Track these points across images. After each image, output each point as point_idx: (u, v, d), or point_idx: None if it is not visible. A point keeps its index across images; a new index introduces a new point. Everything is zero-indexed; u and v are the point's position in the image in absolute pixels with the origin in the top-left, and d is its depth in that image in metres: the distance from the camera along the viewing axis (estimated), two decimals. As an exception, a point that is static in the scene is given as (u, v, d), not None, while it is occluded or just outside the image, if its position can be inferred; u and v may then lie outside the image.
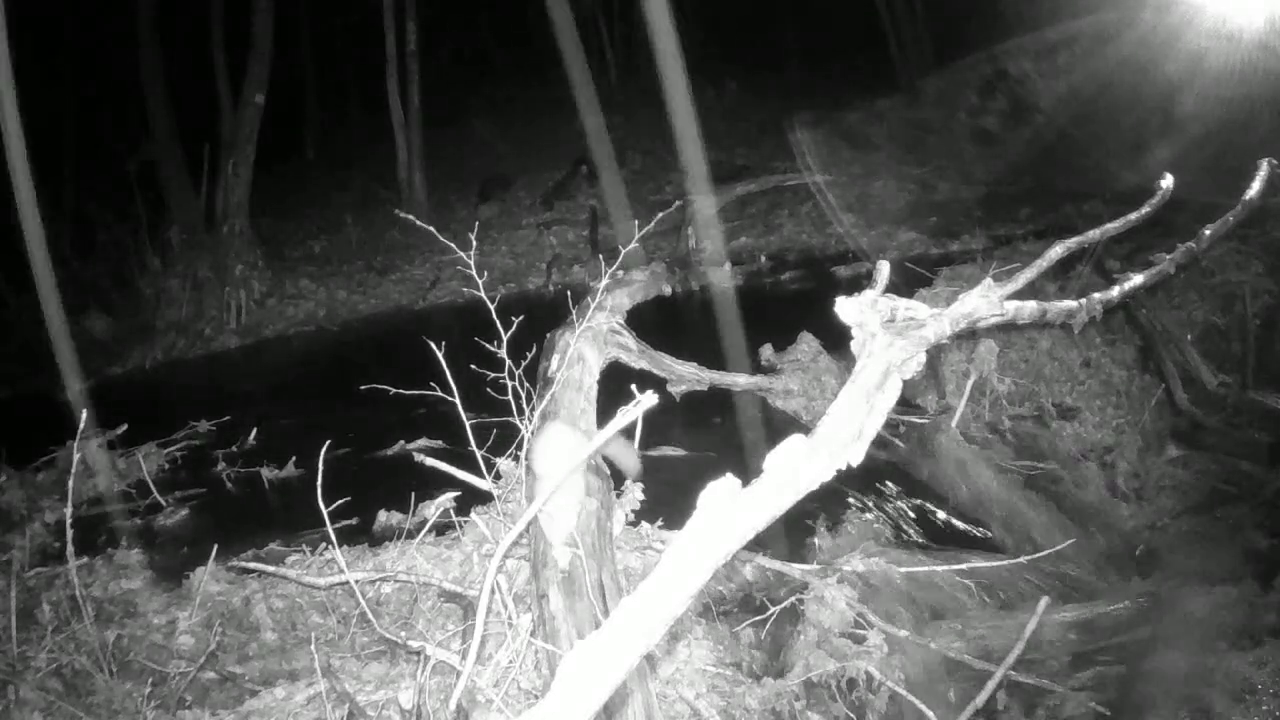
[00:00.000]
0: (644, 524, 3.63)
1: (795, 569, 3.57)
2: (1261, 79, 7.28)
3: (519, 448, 3.59)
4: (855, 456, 2.16)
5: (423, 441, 5.08)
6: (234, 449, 5.47)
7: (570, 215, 11.57)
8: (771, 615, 3.29)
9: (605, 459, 3.62)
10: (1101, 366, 5.44)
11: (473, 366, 3.44)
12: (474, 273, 3.49)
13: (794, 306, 7.29)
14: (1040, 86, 10.47)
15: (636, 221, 4.00)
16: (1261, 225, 5.81)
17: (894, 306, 2.63)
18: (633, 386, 3.22)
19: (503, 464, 3.67)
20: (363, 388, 4.06)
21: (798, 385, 5.07)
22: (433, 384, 3.33)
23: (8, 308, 9.50)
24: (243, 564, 3.64)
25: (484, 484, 3.59)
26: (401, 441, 5.18)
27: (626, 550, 3.51)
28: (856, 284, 2.64)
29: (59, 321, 6.18)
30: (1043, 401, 5.20)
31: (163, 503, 4.81)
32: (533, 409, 3.57)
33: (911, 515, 4.38)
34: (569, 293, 4.92)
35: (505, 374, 3.44)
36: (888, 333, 2.45)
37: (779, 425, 4.90)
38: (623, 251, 3.91)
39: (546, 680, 2.77)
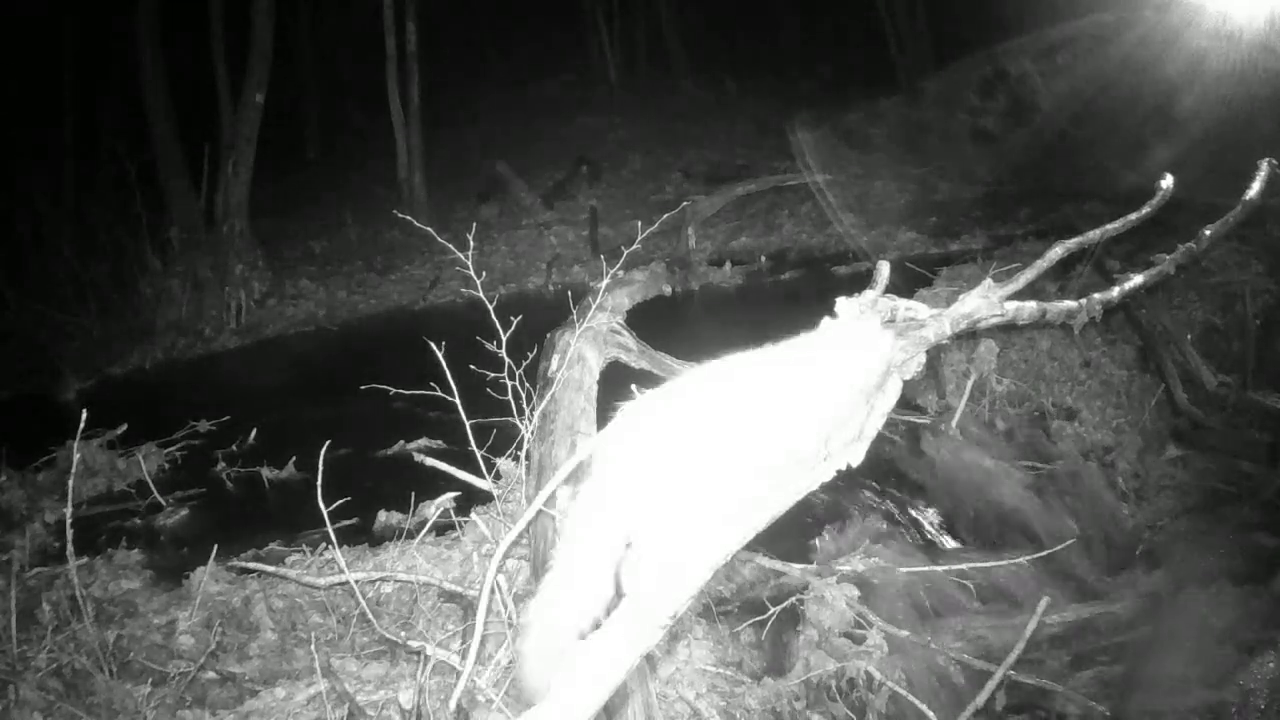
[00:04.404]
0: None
1: (795, 569, 3.57)
2: (1261, 79, 7.29)
3: (519, 448, 3.59)
4: (855, 457, 2.16)
5: (423, 441, 5.08)
6: (234, 449, 5.47)
7: (570, 215, 11.57)
8: (771, 615, 3.29)
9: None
10: (1101, 366, 5.44)
11: (472, 367, 3.43)
12: (472, 273, 3.48)
13: (794, 306, 7.28)
14: (1040, 86, 10.48)
15: (639, 222, 4.00)
16: (1261, 225, 5.81)
17: (894, 307, 2.64)
18: (633, 386, 3.21)
19: (503, 464, 3.67)
20: (363, 388, 4.06)
21: (798, 385, 5.07)
22: (433, 384, 3.33)
23: (8, 308, 9.50)
24: (243, 564, 3.64)
25: (484, 484, 3.59)
26: (401, 441, 5.18)
27: (626, 550, 3.51)
28: (856, 283, 2.63)
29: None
30: (1043, 401, 5.20)
31: (163, 503, 4.81)
32: (533, 409, 3.56)
33: (911, 515, 4.38)
34: (569, 293, 4.92)
35: (505, 374, 3.43)
36: (888, 333, 2.45)
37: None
38: (624, 252, 3.90)
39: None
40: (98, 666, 3.07)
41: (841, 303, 2.45)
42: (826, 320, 2.23)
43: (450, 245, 3.93)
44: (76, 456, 3.57)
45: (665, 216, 4.86)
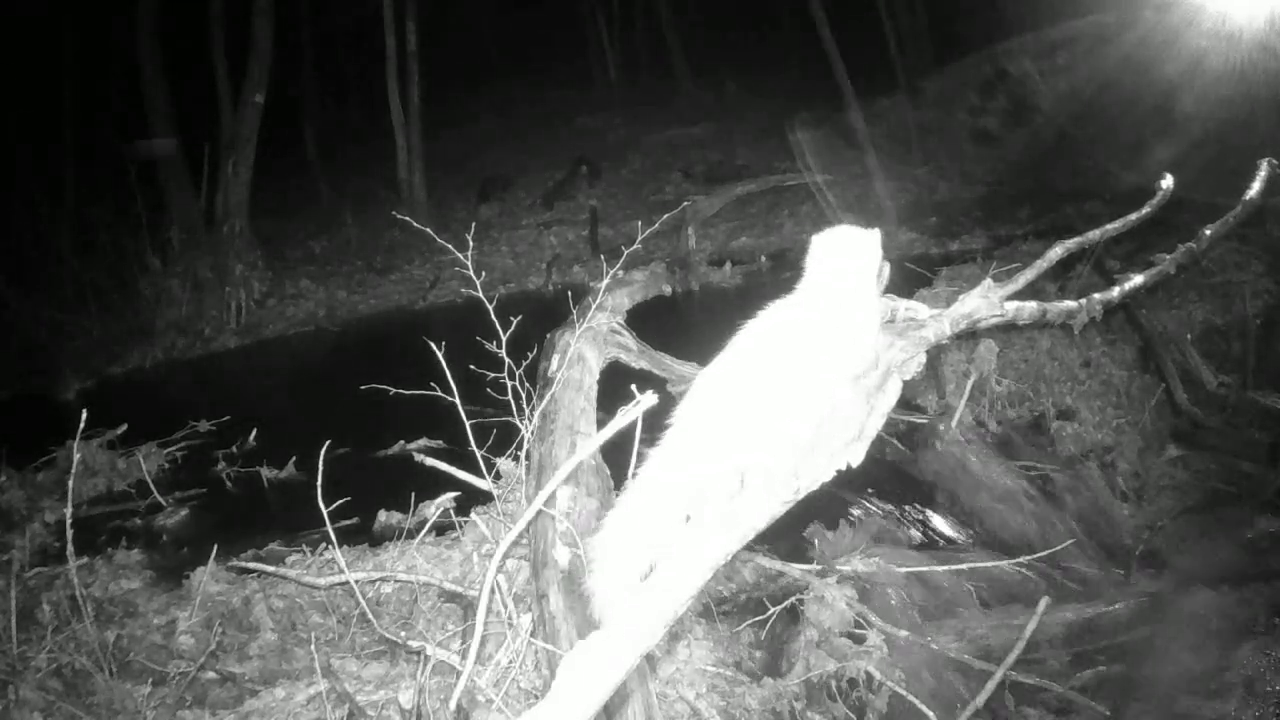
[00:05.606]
0: (644, 524, 3.62)
1: (795, 569, 3.56)
2: (1261, 79, 7.29)
3: (519, 448, 3.59)
4: (855, 457, 2.16)
5: (423, 441, 5.08)
6: (234, 449, 5.47)
7: (570, 215, 11.57)
8: (771, 615, 3.29)
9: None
10: (1101, 366, 5.44)
11: (472, 367, 3.43)
12: (472, 273, 3.48)
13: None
14: (1040, 86, 10.48)
15: (639, 222, 3.99)
16: (1261, 225, 5.81)
17: (894, 307, 2.64)
18: (633, 386, 3.22)
19: (503, 464, 3.66)
20: (363, 388, 4.06)
21: (798, 385, 5.06)
22: (433, 384, 3.33)
23: (8, 308, 9.49)
24: (243, 564, 3.64)
25: (484, 484, 3.58)
26: (401, 441, 5.18)
27: (627, 550, 3.50)
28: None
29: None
30: (1043, 401, 5.19)
31: (163, 503, 4.81)
32: (533, 409, 3.56)
33: (911, 515, 4.38)
34: (569, 293, 4.92)
35: (505, 374, 3.43)
36: (888, 333, 2.45)
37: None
38: (625, 252, 3.90)
39: (546, 680, 2.77)
40: (98, 666, 3.07)
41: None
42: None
43: (450, 245, 3.93)
44: (76, 456, 3.57)
45: (665, 216, 4.86)
